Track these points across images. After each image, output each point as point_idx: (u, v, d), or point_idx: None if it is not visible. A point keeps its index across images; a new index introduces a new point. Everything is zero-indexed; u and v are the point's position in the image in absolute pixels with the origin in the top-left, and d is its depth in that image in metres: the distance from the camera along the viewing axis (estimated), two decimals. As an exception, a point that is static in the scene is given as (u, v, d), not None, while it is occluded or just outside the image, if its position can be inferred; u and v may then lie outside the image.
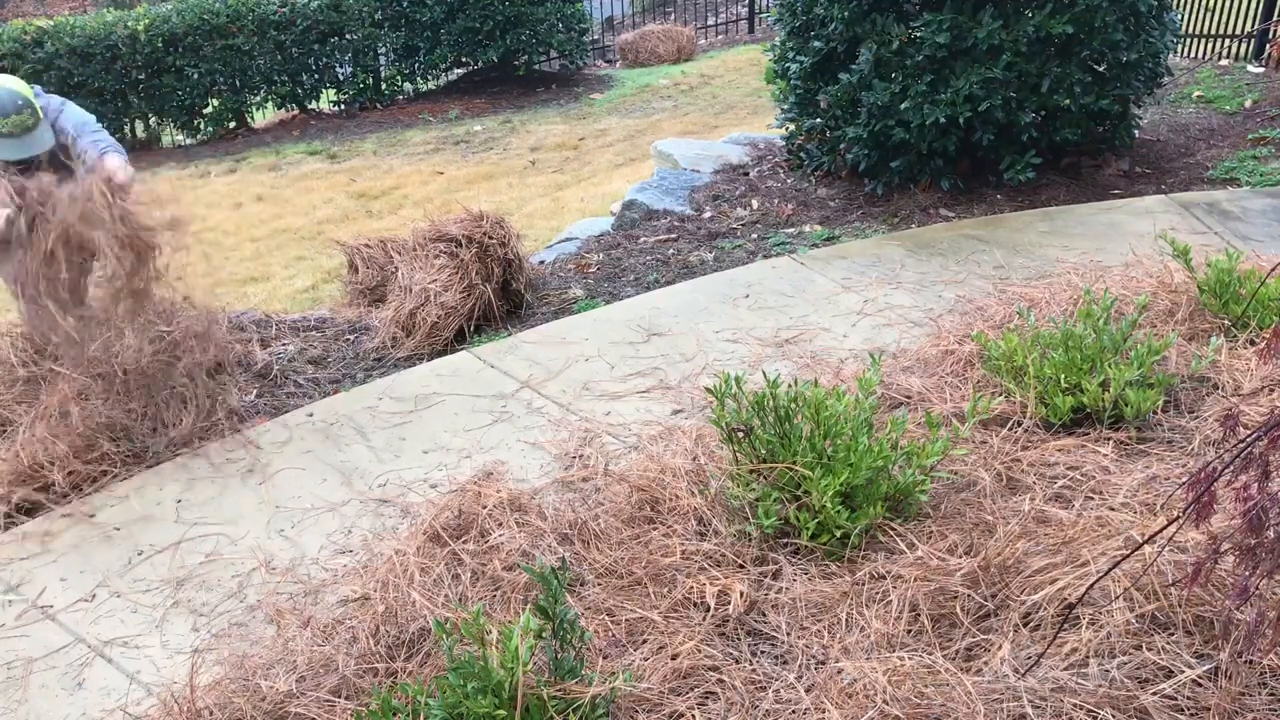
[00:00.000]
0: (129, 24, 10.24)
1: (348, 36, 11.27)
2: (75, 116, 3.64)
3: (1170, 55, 6.07)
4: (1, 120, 3.36)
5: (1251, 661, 1.92)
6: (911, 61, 4.96)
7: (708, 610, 2.24)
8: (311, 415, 3.47)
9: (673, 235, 5.21)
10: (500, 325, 4.32)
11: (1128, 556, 2.02)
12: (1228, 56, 7.93)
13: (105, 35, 10.16)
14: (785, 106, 5.96)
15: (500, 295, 4.39)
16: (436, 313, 4.08)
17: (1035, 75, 4.92)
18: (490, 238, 4.35)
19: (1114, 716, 1.85)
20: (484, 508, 2.68)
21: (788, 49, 5.74)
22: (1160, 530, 1.90)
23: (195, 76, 10.62)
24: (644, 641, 2.19)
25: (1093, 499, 2.51)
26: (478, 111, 11.28)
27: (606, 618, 2.26)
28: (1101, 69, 5.20)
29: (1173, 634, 2.01)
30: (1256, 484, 1.54)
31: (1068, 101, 4.96)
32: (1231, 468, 1.55)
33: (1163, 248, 3.95)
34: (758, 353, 3.65)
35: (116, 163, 3.47)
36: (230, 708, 2.11)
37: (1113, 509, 2.43)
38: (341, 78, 11.63)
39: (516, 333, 4.06)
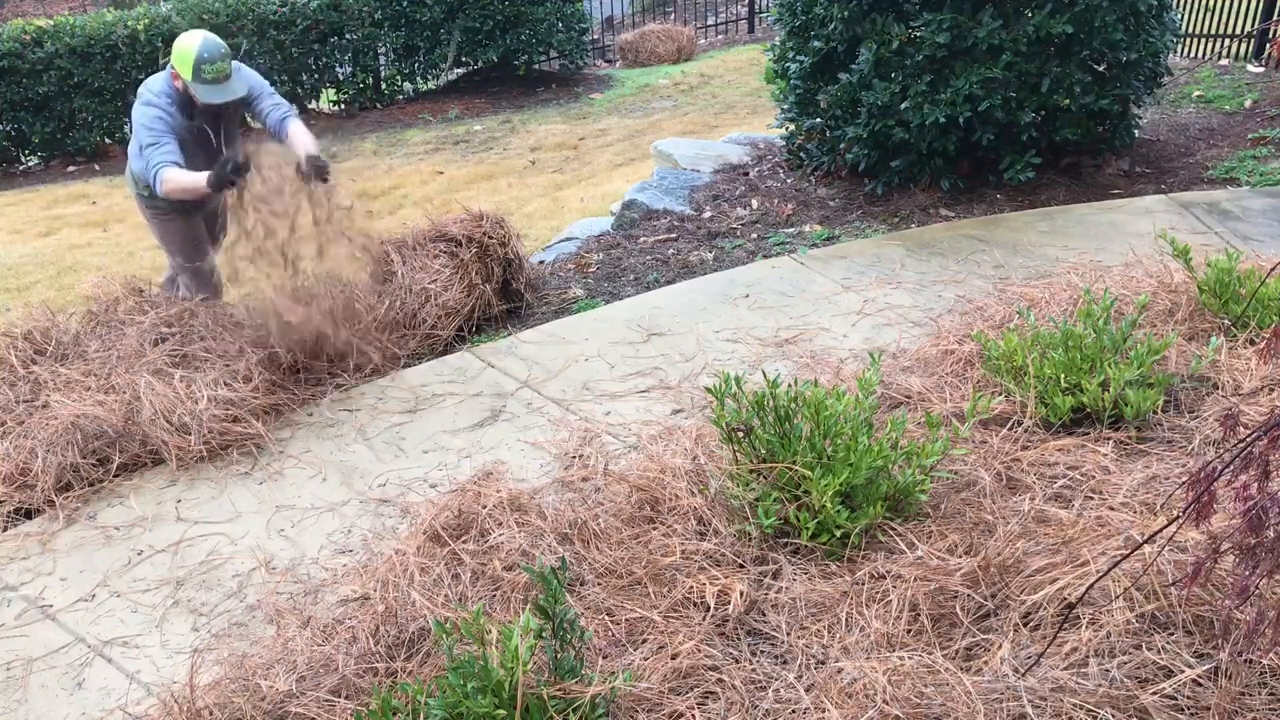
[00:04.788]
0: (129, 24, 10.25)
1: (347, 36, 11.27)
2: (253, 78, 4.06)
3: (1170, 55, 6.07)
4: (210, 66, 3.74)
5: (1251, 661, 1.92)
6: (911, 61, 4.96)
7: (708, 610, 2.24)
8: (311, 415, 3.47)
9: (673, 235, 5.21)
10: (500, 325, 4.32)
11: (1128, 556, 2.02)
12: (1228, 56, 7.93)
13: (105, 35, 10.16)
14: (785, 106, 5.96)
15: (500, 295, 4.39)
16: (436, 313, 4.08)
17: (1035, 75, 4.91)
18: (490, 237, 4.35)
19: (1114, 716, 1.85)
20: (484, 507, 2.68)
21: (787, 49, 5.74)
22: (1160, 530, 1.90)
23: (195, 76, 10.61)
24: (644, 641, 2.19)
25: (1093, 499, 2.51)
26: (477, 111, 11.28)
27: (606, 618, 2.26)
28: (1101, 69, 5.20)
29: (1173, 634, 2.01)
30: (1256, 484, 1.54)
31: (1068, 101, 4.96)
32: (1231, 467, 1.55)
33: (1163, 247, 3.95)
34: (758, 352, 3.64)
35: (304, 135, 3.98)
36: (230, 707, 2.11)
37: (1113, 509, 2.43)
38: (341, 77, 11.63)
39: (516, 333, 4.06)
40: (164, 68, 3.94)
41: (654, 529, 2.54)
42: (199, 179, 3.75)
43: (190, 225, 4.23)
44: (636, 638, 2.21)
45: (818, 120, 5.64)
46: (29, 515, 3.06)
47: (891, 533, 2.43)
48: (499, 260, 4.36)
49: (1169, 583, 2.07)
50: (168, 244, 4.30)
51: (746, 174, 6.11)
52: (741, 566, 2.39)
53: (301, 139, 3.96)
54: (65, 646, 2.48)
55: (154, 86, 3.89)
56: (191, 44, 3.76)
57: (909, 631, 2.13)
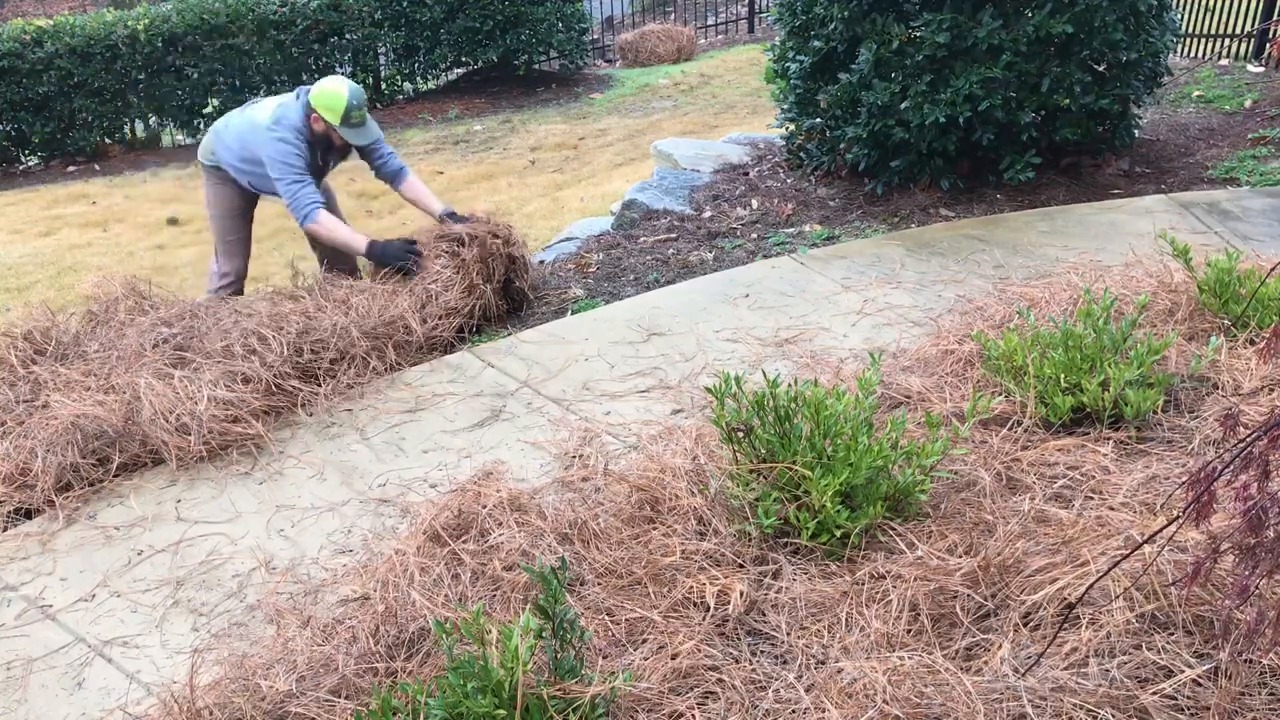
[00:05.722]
0: (129, 24, 10.25)
1: (348, 36, 11.27)
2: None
3: (1170, 55, 6.07)
4: (357, 111, 4.20)
5: (1251, 661, 1.92)
6: (911, 61, 4.96)
7: (708, 610, 2.24)
8: (311, 415, 3.47)
9: (672, 235, 5.21)
10: (500, 325, 4.32)
11: (1128, 556, 2.02)
12: (1228, 56, 7.94)
13: (105, 35, 10.17)
14: (785, 106, 5.96)
15: (501, 295, 4.40)
16: (437, 312, 4.08)
17: (1035, 75, 4.91)
18: (495, 236, 4.37)
19: (1114, 716, 1.85)
20: (484, 507, 2.68)
21: (787, 49, 5.74)
22: (1160, 530, 1.90)
23: (195, 76, 10.63)
24: (644, 641, 2.19)
25: (1093, 499, 2.51)
26: (477, 111, 11.28)
27: (606, 618, 2.26)
28: (1101, 69, 5.20)
29: (1173, 634, 2.01)
30: (1256, 483, 1.54)
31: (1068, 101, 4.96)
32: (1231, 467, 1.55)
33: (1162, 247, 3.95)
34: (758, 352, 3.64)
35: (428, 191, 4.61)
36: (230, 707, 2.11)
37: (1113, 509, 2.43)
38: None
39: (516, 332, 4.06)
40: (293, 107, 4.25)
41: (654, 529, 2.54)
42: (357, 241, 4.18)
43: (244, 197, 4.52)
44: (636, 638, 2.21)
45: (818, 120, 5.64)
46: (29, 515, 3.06)
47: (891, 533, 2.43)
48: (501, 258, 4.37)
49: (1169, 583, 2.07)
50: (213, 208, 4.57)
51: (746, 174, 6.11)
52: (741, 566, 2.39)
53: (429, 196, 4.56)
54: (65, 646, 2.48)
55: (289, 122, 4.20)
56: (339, 91, 4.16)
57: (909, 631, 2.13)
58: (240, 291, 4.63)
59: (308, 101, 4.22)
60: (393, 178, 4.57)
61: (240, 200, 4.54)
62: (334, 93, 4.17)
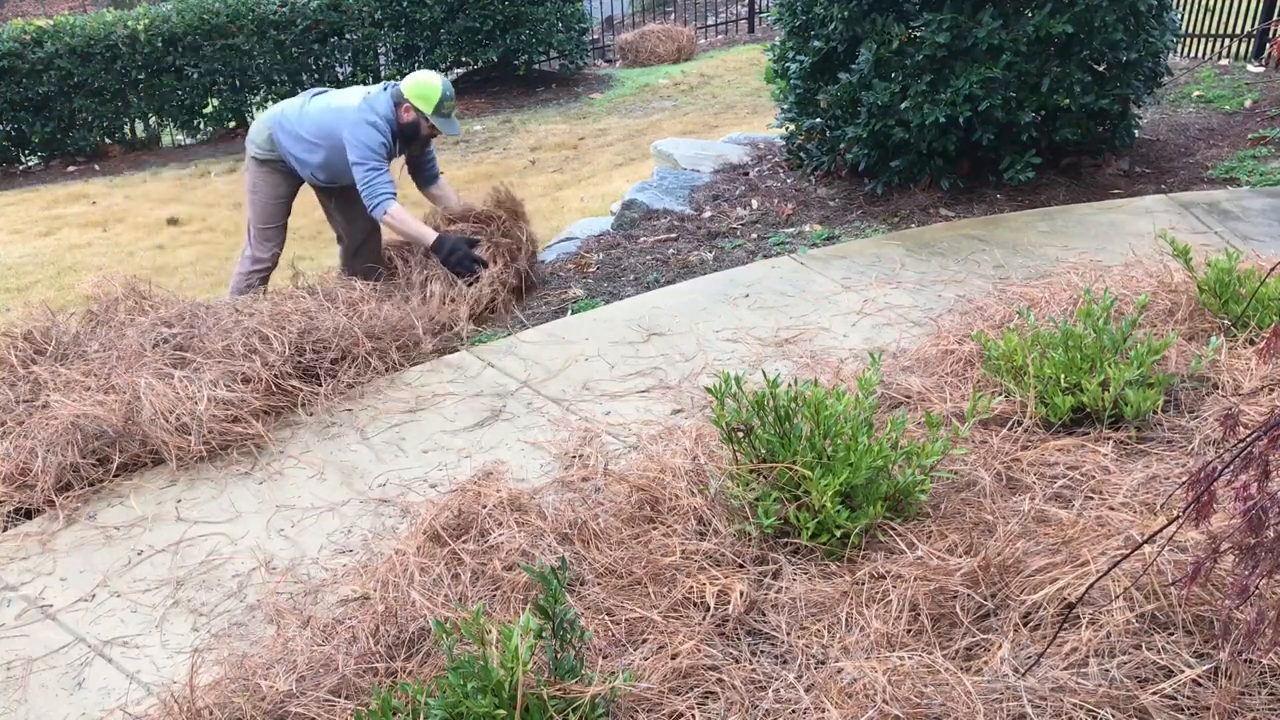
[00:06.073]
0: (129, 24, 10.25)
1: (348, 36, 11.27)
2: None
3: (1170, 55, 6.07)
4: (449, 103, 4.36)
5: (1251, 661, 1.92)
6: (911, 61, 4.96)
7: (708, 610, 2.24)
8: (311, 415, 3.47)
9: (673, 235, 5.21)
10: (500, 325, 4.32)
11: (1128, 556, 2.02)
12: (1228, 56, 7.94)
13: (105, 35, 10.17)
14: (785, 106, 5.96)
15: (514, 292, 4.46)
16: (480, 300, 4.18)
17: (1035, 75, 4.91)
18: (507, 215, 4.50)
19: (1114, 716, 1.85)
20: (484, 507, 2.68)
21: (787, 49, 5.74)
22: (1160, 530, 1.90)
23: (195, 76, 10.63)
24: (644, 641, 2.19)
25: (1093, 499, 2.51)
26: (478, 111, 11.28)
27: (606, 618, 2.26)
28: (1101, 69, 5.20)
29: (1173, 634, 2.01)
30: (1256, 483, 1.54)
31: (1068, 101, 4.96)
32: (1231, 467, 1.55)
33: (1162, 247, 3.95)
34: (758, 352, 3.64)
35: (454, 194, 4.80)
36: (230, 707, 2.11)
37: (1113, 509, 2.43)
38: (341, 77, 11.63)
39: (516, 332, 4.06)
40: (374, 97, 4.29)
41: (654, 529, 2.54)
42: (425, 234, 4.27)
43: (290, 185, 4.59)
44: (636, 638, 2.21)
45: (818, 120, 5.64)
46: (29, 515, 3.06)
47: (891, 533, 2.43)
48: (509, 249, 4.42)
49: (1169, 583, 2.07)
50: (257, 193, 4.59)
51: (746, 174, 6.11)
52: (741, 566, 2.39)
53: (452, 196, 4.74)
54: (65, 646, 2.49)
55: (380, 110, 4.29)
56: (434, 83, 4.33)
57: (909, 631, 2.13)
58: (267, 280, 4.67)
59: (399, 91, 4.33)
60: (429, 179, 4.74)
61: (286, 188, 4.61)
62: (428, 84, 4.32)
